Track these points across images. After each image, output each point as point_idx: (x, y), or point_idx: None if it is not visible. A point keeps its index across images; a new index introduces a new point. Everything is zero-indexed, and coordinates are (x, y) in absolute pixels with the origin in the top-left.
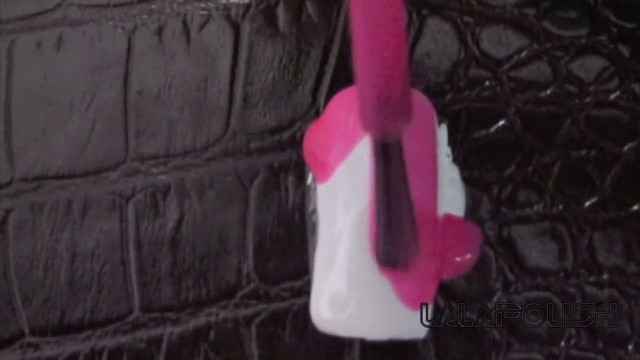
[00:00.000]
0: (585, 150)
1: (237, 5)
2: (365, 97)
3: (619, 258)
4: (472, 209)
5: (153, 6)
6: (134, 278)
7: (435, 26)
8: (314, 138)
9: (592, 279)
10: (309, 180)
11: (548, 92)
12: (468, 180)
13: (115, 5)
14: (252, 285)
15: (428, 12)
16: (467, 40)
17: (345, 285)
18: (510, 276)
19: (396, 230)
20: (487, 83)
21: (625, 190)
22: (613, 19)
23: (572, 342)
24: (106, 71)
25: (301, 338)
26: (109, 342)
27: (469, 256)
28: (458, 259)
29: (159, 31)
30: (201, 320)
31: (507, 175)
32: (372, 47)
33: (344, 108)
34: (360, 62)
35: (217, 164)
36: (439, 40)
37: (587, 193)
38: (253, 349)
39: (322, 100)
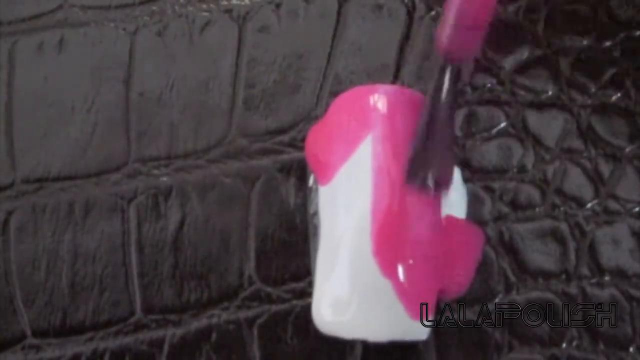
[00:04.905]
0: (587, 152)
1: (239, 6)
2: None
3: (621, 259)
4: (474, 210)
5: (155, 7)
6: (135, 280)
7: (436, 28)
8: (316, 140)
9: (594, 280)
10: (311, 182)
11: (550, 94)
12: (470, 182)
13: (116, 7)
14: (254, 287)
15: (427, 13)
16: None
17: (347, 287)
18: (512, 277)
19: (438, 148)
20: (488, 86)
21: (627, 192)
22: (615, 22)
23: (574, 343)
24: (108, 73)
25: (303, 340)
26: (111, 344)
27: (468, 272)
28: (459, 270)
29: (161, 33)
30: (203, 321)
31: (509, 177)
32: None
33: (345, 110)
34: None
35: (218, 165)
36: None
37: (588, 195)
38: (255, 350)
39: (324, 102)
